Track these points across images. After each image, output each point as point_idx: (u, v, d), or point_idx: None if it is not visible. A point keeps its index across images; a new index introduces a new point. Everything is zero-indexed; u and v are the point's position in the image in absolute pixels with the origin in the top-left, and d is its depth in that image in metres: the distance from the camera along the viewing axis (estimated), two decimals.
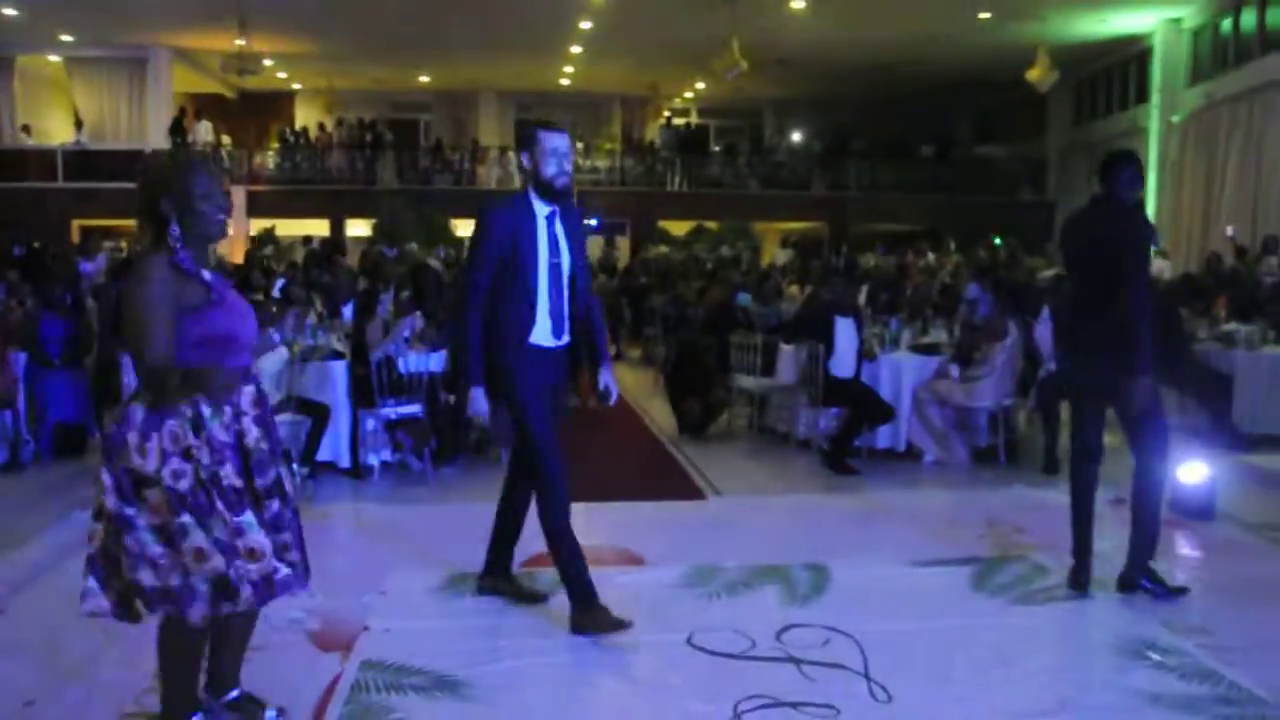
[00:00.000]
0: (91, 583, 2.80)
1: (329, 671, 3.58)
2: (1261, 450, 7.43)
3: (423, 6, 16.96)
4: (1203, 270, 12.43)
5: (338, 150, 23.22)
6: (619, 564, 4.94)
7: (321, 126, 23.75)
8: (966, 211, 22.84)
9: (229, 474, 2.76)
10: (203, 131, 22.14)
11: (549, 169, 3.86)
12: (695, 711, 3.35)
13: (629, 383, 11.67)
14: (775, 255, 19.89)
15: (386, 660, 3.71)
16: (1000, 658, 3.77)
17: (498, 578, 4.34)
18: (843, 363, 7.14)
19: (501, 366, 3.88)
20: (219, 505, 2.74)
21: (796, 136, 26.47)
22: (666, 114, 25.93)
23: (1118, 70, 20.40)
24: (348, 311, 8.61)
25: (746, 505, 6.15)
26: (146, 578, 2.72)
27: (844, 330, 7.17)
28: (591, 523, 5.81)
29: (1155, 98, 18.44)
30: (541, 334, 3.89)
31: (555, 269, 3.90)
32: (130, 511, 2.71)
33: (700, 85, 24.40)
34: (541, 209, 3.89)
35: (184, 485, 2.71)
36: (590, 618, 3.89)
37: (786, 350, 7.79)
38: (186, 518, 2.70)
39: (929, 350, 7.81)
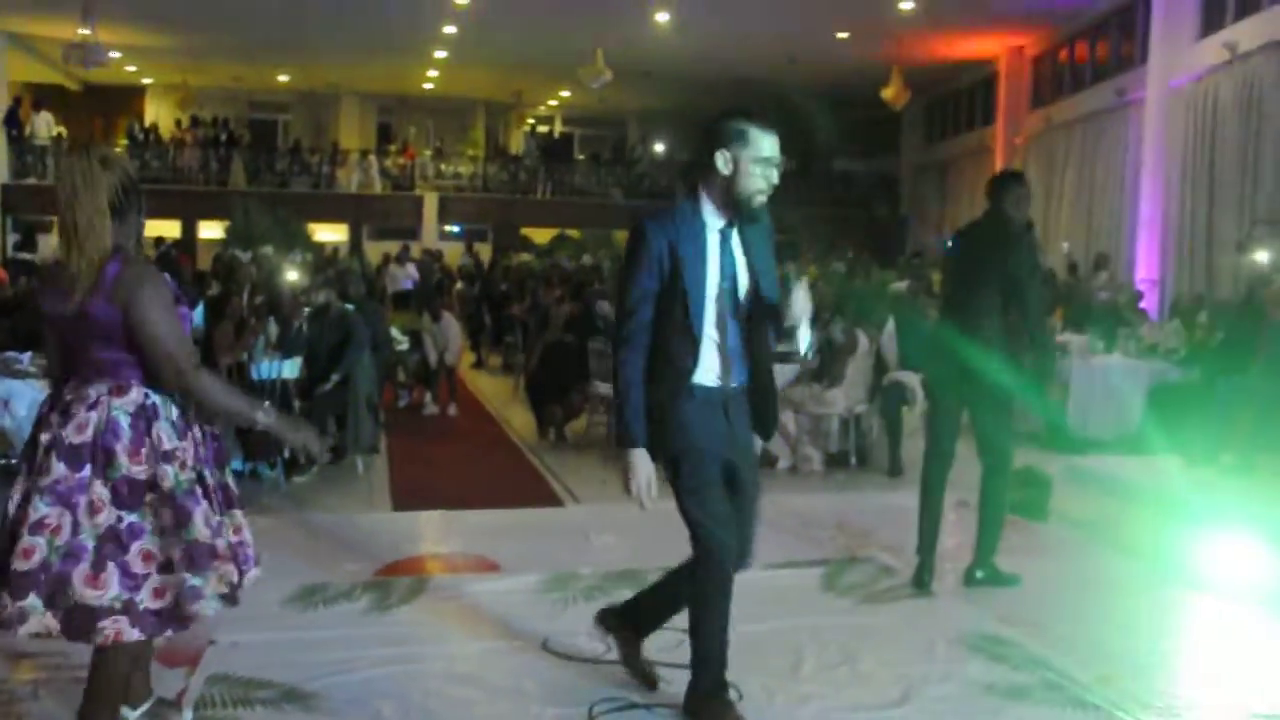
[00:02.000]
0: (33, 600, 2.65)
1: (173, 687, 3.45)
2: (1091, 452, 7.88)
3: (284, 4, 16.51)
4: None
5: (191, 149, 22.41)
6: (475, 571, 4.92)
7: (178, 123, 22.88)
8: (823, 224, 23.50)
9: (212, 473, 2.91)
10: (42, 124, 21.01)
11: (753, 181, 3.07)
12: (549, 716, 3.37)
13: (489, 390, 11.61)
14: None
15: (234, 674, 3.61)
16: (847, 655, 3.89)
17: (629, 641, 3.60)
18: None
19: (656, 414, 3.13)
20: (204, 505, 2.83)
21: (660, 147, 26.78)
22: (531, 121, 25.90)
23: (966, 93, 21.35)
24: (196, 315, 8.32)
25: (604, 512, 6.14)
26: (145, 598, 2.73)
27: None
28: (449, 530, 5.80)
29: (1000, 119, 19.37)
30: (707, 374, 3.14)
31: (728, 295, 3.14)
32: (133, 519, 2.73)
33: (565, 94, 24.48)
34: (715, 222, 3.13)
35: (168, 486, 2.78)
36: (709, 709, 3.24)
37: None
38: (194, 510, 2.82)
39: (783, 359, 7.98)
